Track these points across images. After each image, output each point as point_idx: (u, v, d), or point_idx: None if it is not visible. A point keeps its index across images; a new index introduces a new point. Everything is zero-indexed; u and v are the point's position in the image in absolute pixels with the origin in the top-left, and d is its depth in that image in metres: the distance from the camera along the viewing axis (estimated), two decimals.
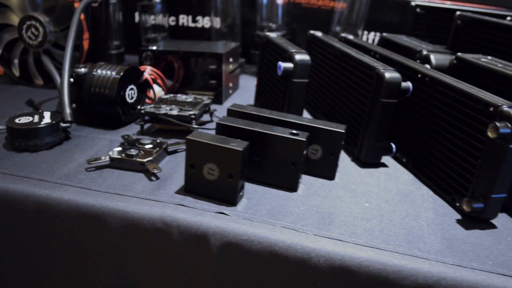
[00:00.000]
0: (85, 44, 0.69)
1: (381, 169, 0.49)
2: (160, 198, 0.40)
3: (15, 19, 0.69)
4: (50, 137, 0.49)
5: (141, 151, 0.45)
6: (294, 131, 0.41)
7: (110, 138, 0.52)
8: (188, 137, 0.39)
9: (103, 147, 0.50)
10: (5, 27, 0.71)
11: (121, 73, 0.53)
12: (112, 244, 0.39)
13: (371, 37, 0.79)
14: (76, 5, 0.66)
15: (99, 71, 0.54)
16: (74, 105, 0.55)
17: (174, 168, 0.46)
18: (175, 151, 0.49)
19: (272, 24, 0.78)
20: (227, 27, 0.78)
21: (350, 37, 0.64)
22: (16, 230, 0.41)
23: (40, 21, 0.67)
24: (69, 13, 0.68)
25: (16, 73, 0.72)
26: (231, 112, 0.46)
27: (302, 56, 0.50)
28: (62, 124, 0.50)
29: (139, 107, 0.53)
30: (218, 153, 0.38)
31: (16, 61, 0.72)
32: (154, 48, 0.66)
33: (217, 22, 0.80)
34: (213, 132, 0.43)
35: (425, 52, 0.57)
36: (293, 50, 0.50)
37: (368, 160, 0.49)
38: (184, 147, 0.49)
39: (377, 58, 0.54)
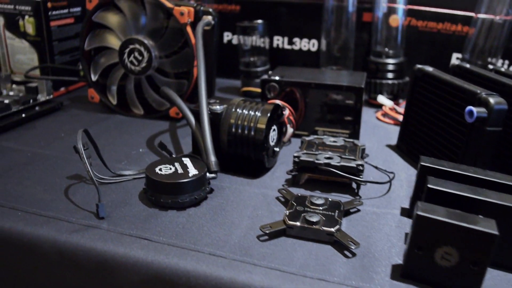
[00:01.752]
0: (194, 71, 0.61)
1: None
2: None
3: (113, 42, 0.62)
4: (199, 191, 0.41)
5: (322, 216, 0.37)
6: None
7: (260, 192, 0.44)
8: (419, 212, 0.31)
9: (259, 203, 0.42)
10: (101, 50, 0.64)
11: (268, 114, 0.46)
12: None
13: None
14: (188, 28, 0.59)
15: (239, 110, 0.47)
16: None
17: (364, 237, 0.37)
18: (348, 212, 0.41)
19: (389, 50, 0.70)
20: (340, 51, 0.71)
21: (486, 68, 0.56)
22: None
23: (146, 45, 0.60)
24: (178, 37, 0.60)
25: (113, 101, 0.65)
26: (425, 169, 0.38)
27: (497, 100, 0.41)
28: (208, 175, 0.43)
29: (294, 155, 0.45)
30: (460, 235, 0.30)
31: (114, 88, 0.65)
32: (277, 78, 0.58)
33: (324, 45, 0.73)
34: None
35: None
36: (484, 93, 0.42)
37: None
38: (359, 205, 0.41)
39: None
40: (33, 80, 0.65)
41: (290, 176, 0.47)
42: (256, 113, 0.46)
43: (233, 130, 0.46)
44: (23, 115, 0.60)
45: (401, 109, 0.64)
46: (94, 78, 0.65)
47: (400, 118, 0.62)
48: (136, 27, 0.61)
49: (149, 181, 0.41)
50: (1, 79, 0.65)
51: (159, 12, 0.60)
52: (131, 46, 0.61)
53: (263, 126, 0.45)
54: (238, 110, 0.47)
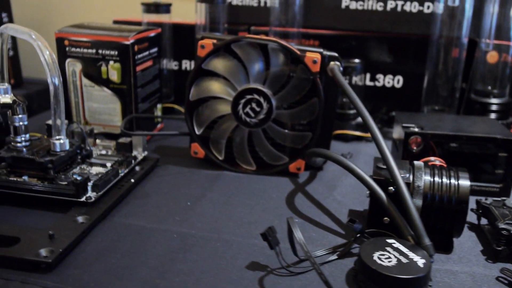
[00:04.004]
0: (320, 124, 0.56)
1: None
2: None
3: (224, 92, 0.56)
4: (427, 284, 0.36)
5: None
6: None
7: (467, 271, 0.39)
8: None
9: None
10: (204, 100, 0.57)
11: (468, 182, 0.41)
12: None
13: None
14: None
15: (428, 177, 0.42)
16: (387, 219, 0.43)
17: None
18: None
19: (492, 88, 0.67)
20: (445, 89, 0.67)
21: None
22: None
23: (266, 95, 0.54)
24: (304, 86, 0.55)
25: (220, 156, 0.58)
26: None
27: None
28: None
29: (502, 226, 0.41)
30: None
31: (222, 141, 0.58)
32: (422, 130, 0.53)
33: (426, 82, 0.69)
34: None
35: None
36: None
37: None
38: None
39: None
40: (130, 134, 0.57)
41: (481, 248, 0.43)
42: (454, 182, 0.41)
43: (428, 199, 0.41)
44: (132, 180, 0.52)
45: None
46: (198, 131, 0.58)
47: None
48: (254, 75, 0.55)
49: (373, 274, 0.35)
50: (80, 133, 0.56)
51: (283, 59, 0.54)
52: (248, 96, 0.54)
53: (467, 197, 0.40)
54: (427, 177, 0.42)
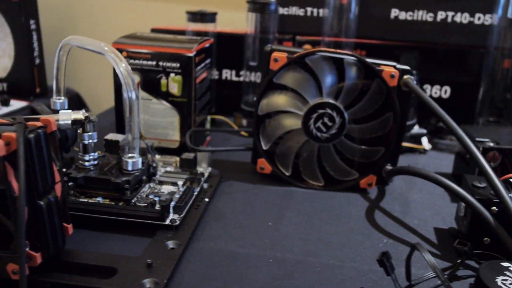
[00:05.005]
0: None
1: None
2: None
3: (295, 106, 0.54)
4: None
5: None
6: None
7: None
8: None
9: None
10: (271, 115, 0.56)
11: None
12: None
13: None
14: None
15: None
16: (487, 239, 0.41)
17: None
18: None
19: None
20: (503, 101, 0.67)
21: None
22: None
23: (340, 109, 0.53)
24: (377, 101, 0.53)
25: (287, 171, 0.56)
26: None
27: None
28: None
29: None
30: None
31: (291, 157, 0.56)
32: (494, 145, 0.53)
33: (482, 93, 0.69)
34: None
35: None
36: None
37: None
38: None
39: None
40: (198, 150, 0.55)
41: None
42: None
43: None
44: (207, 200, 0.50)
45: None
46: (265, 147, 0.56)
47: None
48: (326, 89, 0.53)
49: None
50: (146, 150, 0.54)
51: (358, 72, 0.53)
52: (320, 111, 0.53)
53: None
54: None
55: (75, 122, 0.47)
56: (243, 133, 0.71)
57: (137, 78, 0.58)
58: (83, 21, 0.99)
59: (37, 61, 0.83)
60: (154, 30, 0.78)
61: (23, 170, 0.32)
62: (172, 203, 0.45)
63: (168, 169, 0.54)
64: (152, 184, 0.50)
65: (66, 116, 0.46)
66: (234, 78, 0.79)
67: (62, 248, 0.38)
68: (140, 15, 0.99)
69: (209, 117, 0.68)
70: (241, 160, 0.62)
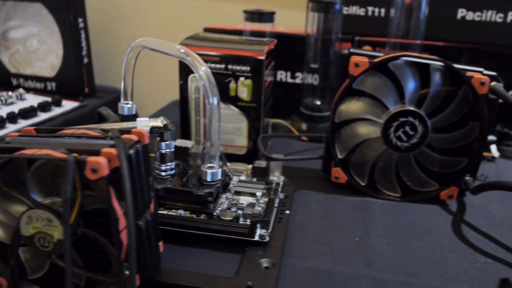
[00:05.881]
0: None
1: None
2: None
3: (373, 113, 0.51)
4: None
5: None
6: None
7: None
8: None
9: None
10: (350, 121, 0.53)
11: None
12: None
13: None
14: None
15: None
16: None
17: None
18: None
19: None
20: None
21: None
22: None
23: (423, 118, 0.50)
24: (462, 109, 0.51)
25: (363, 181, 0.54)
26: None
27: None
28: None
29: None
30: None
31: (367, 166, 0.53)
32: None
33: None
34: None
35: None
36: None
37: None
38: None
39: None
40: (273, 159, 0.53)
41: None
42: None
43: None
44: (287, 212, 0.47)
45: None
46: (341, 155, 0.53)
47: None
48: (409, 96, 0.50)
49: None
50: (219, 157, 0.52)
51: (443, 79, 0.50)
52: (402, 119, 0.50)
53: None
54: None
55: (153, 130, 0.45)
56: (303, 138, 0.69)
57: None
58: (131, 20, 0.96)
59: (85, 60, 0.81)
60: (207, 30, 0.76)
61: (129, 190, 0.30)
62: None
63: (242, 178, 0.52)
64: (229, 195, 0.48)
65: (145, 124, 0.44)
66: (289, 80, 0.76)
67: (158, 268, 0.36)
68: (189, 14, 0.97)
69: (270, 122, 0.66)
70: (308, 167, 0.60)
